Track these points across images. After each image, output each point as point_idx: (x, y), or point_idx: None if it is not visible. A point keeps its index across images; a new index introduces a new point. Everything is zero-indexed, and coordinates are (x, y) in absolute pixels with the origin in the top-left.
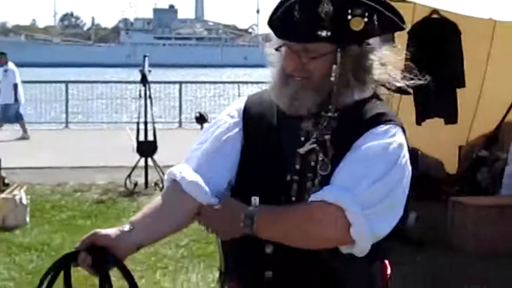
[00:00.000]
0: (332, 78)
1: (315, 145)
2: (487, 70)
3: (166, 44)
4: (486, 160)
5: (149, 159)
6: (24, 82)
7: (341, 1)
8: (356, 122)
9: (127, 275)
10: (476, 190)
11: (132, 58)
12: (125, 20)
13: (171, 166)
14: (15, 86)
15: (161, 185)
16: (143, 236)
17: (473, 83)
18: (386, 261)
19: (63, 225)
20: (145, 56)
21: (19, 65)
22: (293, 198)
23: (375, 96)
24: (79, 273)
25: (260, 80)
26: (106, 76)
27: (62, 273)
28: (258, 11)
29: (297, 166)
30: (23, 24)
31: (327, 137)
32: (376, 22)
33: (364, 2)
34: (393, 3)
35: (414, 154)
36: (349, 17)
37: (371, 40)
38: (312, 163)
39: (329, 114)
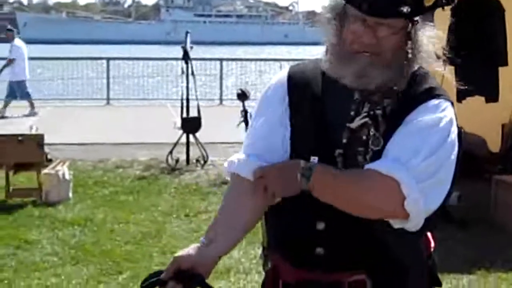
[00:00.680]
0: (410, 55)
1: (367, 119)
2: None
3: (206, 22)
4: None
5: (190, 136)
6: (65, 58)
7: None
8: (408, 96)
9: None
10: None
11: (172, 36)
12: None
13: (213, 143)
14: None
15: (202, 162)
16: (221, 247)
17: None
18: (429, 234)
19: (106, 201)
20: (187, 33)
21: (60, 42)
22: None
23: (421, 69)
24: None
25: (301, 57)
26: (146, 53)
27: None
28: None
29: (344, 140)
30: (64, 2)
31: (378, 112)
32: None
33: None
34: None
35: (459, 131)
36: None
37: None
38: (364, 137)
39: (397, 88)
